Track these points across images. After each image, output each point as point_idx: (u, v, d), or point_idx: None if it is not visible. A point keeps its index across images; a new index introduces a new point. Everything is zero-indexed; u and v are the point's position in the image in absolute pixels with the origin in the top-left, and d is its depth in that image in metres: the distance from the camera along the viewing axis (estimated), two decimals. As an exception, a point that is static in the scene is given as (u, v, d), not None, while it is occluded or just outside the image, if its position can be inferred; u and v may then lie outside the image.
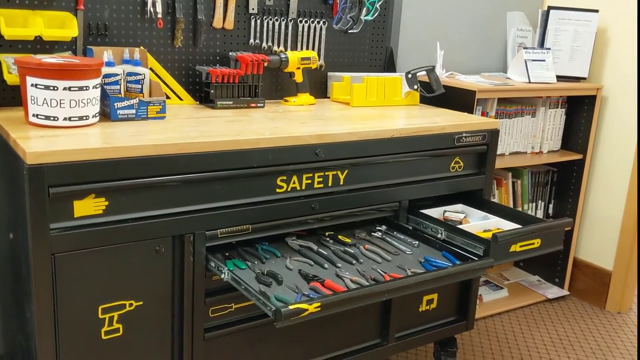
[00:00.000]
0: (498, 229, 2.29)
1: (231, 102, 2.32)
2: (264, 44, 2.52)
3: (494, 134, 2.40)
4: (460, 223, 2.32)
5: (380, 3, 2.72)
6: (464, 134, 2.30)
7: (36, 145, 1.56)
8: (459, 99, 2.71)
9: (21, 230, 1.67)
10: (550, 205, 3.39)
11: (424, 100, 2.71)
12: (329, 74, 2.73)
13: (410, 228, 2.21)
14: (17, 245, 1.75)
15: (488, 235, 2.13)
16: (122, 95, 2.02)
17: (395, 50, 2.93)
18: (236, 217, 1.87)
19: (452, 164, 2.34)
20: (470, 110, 2.68)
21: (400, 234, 2.18)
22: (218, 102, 2.29)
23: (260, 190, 1.91)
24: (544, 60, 3.00)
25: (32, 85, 1.74)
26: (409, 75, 2.63)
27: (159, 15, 2.24)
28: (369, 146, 2.08)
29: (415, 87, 2.64)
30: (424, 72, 2.65)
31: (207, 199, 1.82)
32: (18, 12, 1.99)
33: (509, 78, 3.09)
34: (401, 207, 2.25)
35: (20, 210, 1.62)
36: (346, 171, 2.06)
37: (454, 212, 2.39)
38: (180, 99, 2.36)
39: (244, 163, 1.84)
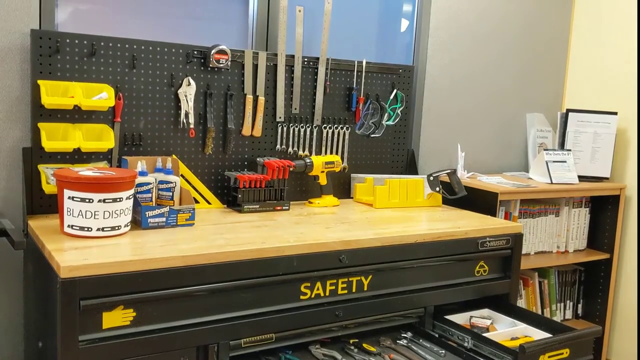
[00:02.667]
0: (526, 337, 2.25)
1: (257, 206, 2.38)
2: (290, 149, 2.61)
3: (517, 238, 2.41)
4: (487, 330, 2.28)
5: (401, 109, 2.83)
6: (487, 239, 2.31)
7: (70, 259, 1.61)
8: (481, 200, 2.74)
9: (50, 341, 1.69)
10: (579, 305, 3.31)
11: (446, 202, 2.74)
12: (352, 175, 2.79)
13: (437, 336, 2.18)
14: (45, 354, 1.77)
15: (516, 344, 2.09)
16: (154, 203, 2.09)
17: (417, 152, 3.00)
18: (260, 326, 1.88)
19: (477, 268, 2.34)
20: (492, 211, 2.70)
21: (426, 342, 2.15)
22: (245, 206, 2.35)
23: (285, 298, 1.93)
24: (565, 162, 3.04)
25: (68, 197, 1.82)
26: (431, 178, 2.68)
27: (192, 126, 2.36)
28: (393, 251, 2.10)
29: (437, 189, 2.68)
30: (446, 175, 2.70)
31: (232, 307, 1.83)
32: (58, 126, 2.12)
33: (531, 178, 3.12)
34: (426, 313, 2.23)
35: (51, 320, 1.66)
36: (370, 277, 2.07)
37: (481, 317, 2.35)
38: (209, 203, 2.43)
39: (269, 271, 1.87)
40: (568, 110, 3.18)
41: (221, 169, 2.48)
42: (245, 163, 2.53)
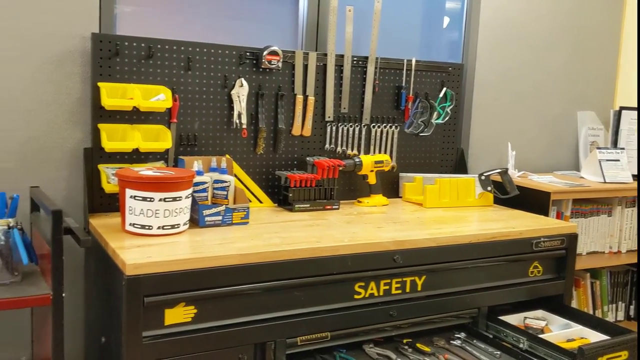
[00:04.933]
0: (582, 338, 2.21)
1: (308, 205, 2.40)
2: (339, 148, 2.63)
3: (572, 238, 2.36)
4: (542, 331, 2.25)
5: (450, 107, 2.81)
6: (542, 239, 2.28)
7: (134, 257, 1.65)
8: (533, 200, 2.70)
9: (114, 336, 1.74)
10: (631, 307, 3.23)
11: (497, 201, 2.71)
12: (401, 174, 2.79)
13: (491, 336, 2.17)
14: (108, 349, 1.83)
15: (572, 346, 2.06)
16: (209, 202, 2.13)
17: (466, 150, 2.98)
18: (315, 324, 1.90)
19: (531, 268, 2.31)
20: (545, 210, 2.66)
21: (480, 343, 2.13)
22: (296, 205, 2.37)
23: (339, 297, 1.94)
24: (619, 160, 2.97)
25: (130, 196, 1.88)
26: (483, 177, 2.65)
27: (244, 126, 2.39)
28: (447, 251, 2.09)
29: (489, 188, 2.65)
30: (498, 174, 2.67)
31: (288, 306, 1.86)
32: (118, 127, 2.17)
33: (583, 177, 3.06)
34: (480, 314, 2.21)
35: (115, 316, 1.71)
36: (424, 277, 2.07)
37: (535, 318, 2.32)
38: (260, 202, 2.47)
39: (323, 270, 1.89)
40: (621, 108, 3.10)
41: (272, 169, 2.51)
42: (295, 162, 2.55)
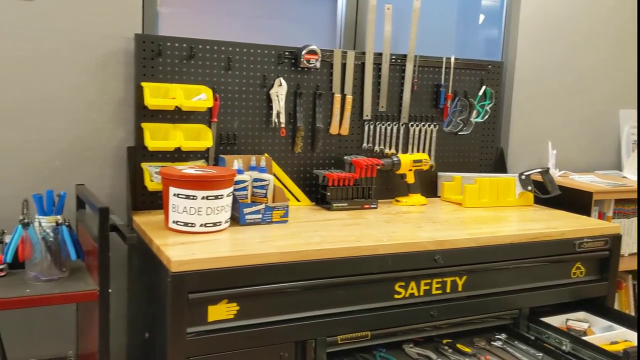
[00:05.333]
0: (626, 341, 2.16)
1: (346, 204, 2.40)
2: (377, 147, 2.62)
3: (616, 239, 2.31)
4: (585, 333, 2.21)
5: (490, 105, 2.77)
6: (585, 240, 2.24)
7: (178, 254, 1.68)
8: (574, 200, 2.65)
9: (158, 332, 1.78)
10: (677, 310, 3.15)
11: (537, 201, 2.67)
12: (439, 173, 2.77)
13: (532, 338, 2.13)
14: (152, 345, 1.86)
15: (616, 348, 2.02)
16: (249, 201, 2.15)
17: (505, 149, 2.94)
18: (355, 323, 1.90)
19: (573, 269, 2.27)
20: (586, 211, 2.60)
21: (521, 344, 2.10)
22: (334, 204, 2.38)
23: (379, 296, 1.94)
24: (665, 159, 2.90)
25: (174, 194, 1.91)
26: (523, 177, 2.62)
27: (282, 125, 2.41)
28: (488, 252, 2.07)
29: (530, 188, 2.61)
30: (538, 173, 2.63)
31: (328, 304, 1.86)
32: (160, 126, 2.21)
33: (625, 177, 2.99)
34: (521, 315, 2.19)
35: (160, 312, 1.74)
36: (465, 277, 2.05)
37: (577, 320, 2.28)
38: (298, 200, 2.48)
39: (363, 269, 1.89)
40: (667, 106, 3.02)
41: (309, 167, 2.51)
42: (332, 161, 2.56)
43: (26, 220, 1.74)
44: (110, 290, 1.71)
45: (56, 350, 2.18)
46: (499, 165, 2.90)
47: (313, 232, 2.01)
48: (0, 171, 2.07)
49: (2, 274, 1.75)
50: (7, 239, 1.84)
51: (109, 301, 1.71)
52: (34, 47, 2.07)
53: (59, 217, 1.79)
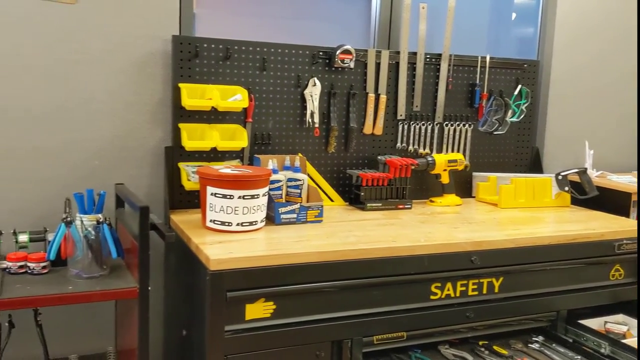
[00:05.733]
0: (669, 345, 2.12)
1: (380, 204, 2.40)
2: (411, 147, 2.61)
3: (657, 241, 2.26)
4: (624, 336, 2.17)
5: (526, 105, 2.74)
6: (624, 241, 2.19)
7: (217, 252, 1.70)
8: (612, 200, 2.60)
9: (196, 330, 1.80)
10: None
11: (574, 202, 2.63)
12: (474, 174, 2.74)
13: (570, 340, 2.10)
14: (189, 342, 1.89)
15: (659, 353, 1.98)
16: (283, 200, 2.16)
17: (541, 149, 2.90)
18: (391, 324, 1.90)
19: (612, 272, 2.22)
20: (625, 212, 2.55)
21: (559, 347, 2.07)
22: (368, 204, 2.37)
23: (415, 297, 1.93)
24: None
25: (211, 194, 1.93)
26: (560, 177, 2.58)
27: (316, 125, 2.41)
28: (525, 253, 2.04)
29: (567, 188, 2.57)
30: (575, 174, 2.58)
31: (364, 304, 1.86)
32: (197, 126, 2.24)
33: (666, 177, 2.92)
34: (559, 317, 2.15)
35: (198, 310, 1.76)
36: (501, 278, 2.03)
37: (616, 323, 2.24)
38: (332, 200, 2.48)
39: (400, 270, 1.88)
40: None
41: (343, 167, 2.52)
42: (366, 161, 2.56)
43: (69, 219, 1.78)
44: (149, 288, 1.74)
45: (95, 346, 2.23)
46: (535, 165, 2.86)
47: (348, 232, 2.01)
48: (42, 171, 2.11)
49: (45, 271, 1.80)
50: (49, 236, 1.89)
51: (148, 298, 1.74)
52: (75, 49, 2.11)
53: (99, 215, 1.83)
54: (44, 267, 1.79)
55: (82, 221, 1.79)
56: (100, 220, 1.81)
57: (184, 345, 1.98)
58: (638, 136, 2.86)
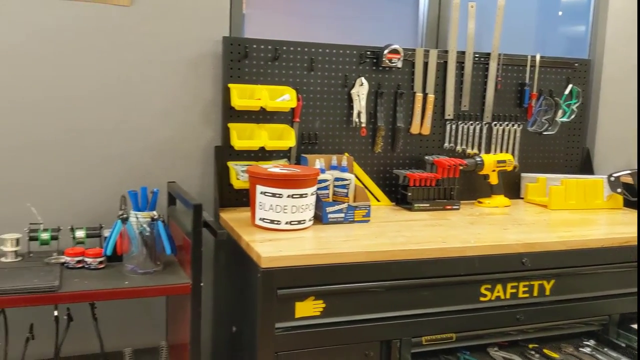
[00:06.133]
0: None
1: (428, 205, 2.38)
2: (458, 147, 2.59)
3: None
4: (681, 343, 2.10)
5: (576, 105, 2.68)
6: (682, 245, 2.13)
7: (267, 250, 1.72)
8: (668, 203, 2.52)
9: (246, 326, 1.83)
10: None
11: (627, 204, 2.56)
12: (523, 174, 2.70)
13: (623, 345, 2.05)
14: (239, 338, 1.92)
15: None
16: (330, 200, 2.17)
17: (592, 150, 2.83)
18: (440, 325, 1.89)
19: (669, 276, 2.16)
20: (681, 214, 2.48)
21: (612, 352, 2.03)
22: (415, 205, 2.37)
23: (465, 298, 1.91)
24: None
25: (261, 192, 1.95)
26: (612, 178, 2.51)
27: (363, 125, 2.42)
28: (577, 256, 2.00)
29: (619, 190, 2.51)
30: (628, 175, 2.52)
31: (413, 305, 1.86)
32: (246, 126, 2.27)
33: None
34: (611, 321, 2.10)
35: (248, 307, 1.79)
36: (552, 281, 2.00)
37: (672, 329, 2.17)
38: (378, 200, 2.48)
39: (450, 271, 1.87)
40: None
41: (389, 167, 2.51)
42: (413, 161, 2.55)
43: (125, 215, 1.83)
44: (202, 284, 1.77)
45: (146, 340, 2.28)
46: (585, 166, 2.80)
47: (396, 232, 2.00)
48: (97, 169, 2.18)
49: (102, 266, 1.85)
50: (105, 233, 1.95)
51: (200, 294, 1.77)
52: (129, 52, 2.17)
53: (154, 212, 1.87)
54: (100, 263, 1.85)
55: (137, 218, 1.84)
56: (155, 217, 1.85)
57: (233, 341, 2.01)
58: (638, 136, 2.77)
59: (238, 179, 2.22)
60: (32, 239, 1.90)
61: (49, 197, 2.12)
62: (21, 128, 2.08)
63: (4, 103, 2.05)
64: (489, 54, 2.58)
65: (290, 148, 2.33)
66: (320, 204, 2.09)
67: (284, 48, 2.30)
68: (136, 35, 2.17)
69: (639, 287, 2.04)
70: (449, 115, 2.55)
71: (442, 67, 2.53)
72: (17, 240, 1.89)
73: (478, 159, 2.50)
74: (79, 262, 1.84)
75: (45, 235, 1.90)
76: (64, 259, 1.85)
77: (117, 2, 2.12)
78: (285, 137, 2.29)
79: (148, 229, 1.82)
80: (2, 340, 1.86)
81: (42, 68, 2.08)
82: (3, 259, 1.87)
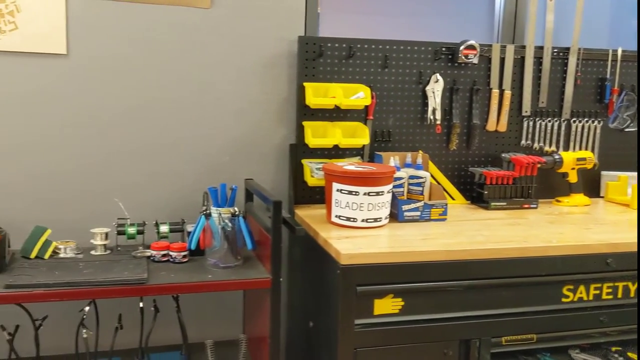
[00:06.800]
0: None
1: (505, 203, 2.34)
2: (536, 144, 2.52)
3: None
4: None
5: (662, 100, 2.56)
6: None
7: (346, 247, 1.73)
8: None
9: (324, 322, 1.85)
10: None
11: None
12: (603, 173, 2.61)
13: None
14: (317, 333, 1.94)
15: None
16: (405, 197, 2.17)
17: (679, 147, 2.70)
18: (520, 325, 1.85)
19: None
20: None
21: None
22: (492, 203, 2.33)
23: (546, 299, 1.87)
24: None
25: (337, 190, 1.97)
26: (702, 177, 2.39)
27: (438, 122, 2.39)
28: (666, 258, 1.92)
29: None
30: None
31: (493, 305, 1.83)
32: (320, 124, 2.29)
33: None
34: (703, 327, 2.00)
35: (327, 303, 1.81)
36: (637, 283, 1.92)
37: None
38: (452, 198, 2.45)
39: (531, 271, 1.83)
40: None
41: (464, 165, 2.48)
42: (489, 159, 2.50)
43: (208, 211, 1.89)
44: (281, 279, 1.81)
45: (223, 332, 2.35)
46: (671, 164, 2.67)
47: (475, 231, 1.98)
48: (179, 166, 2.25)
49: (185, 260, 1.92)
50: (187, 227, 2.02)
51: (280, 289, 1.81)
52: (209, 52, 2.23)
53: (235, 208, 1.92)
54: (184, 257, 1.91)
55: (220, 214, 1.89)
56: (236, 213, 1.90)
57: (309, 336, 2.04)
58: (638, 136, 2.60)
59: (312, 176, 2.24)
60: (119, 233, 1.98)
61: (133, 193, 2.21)
62: (113, 131, 2.18)
63: (102, 111, 2.16)
64: (568, 49, 2.50)
65: (364, 146, 2.34)
66: (395, 202, 2.09)
67: (358, 46, 2.31)
68: (215, 36, 2.23)
69: (639, 295, 1.93)
70: (526, 111, 2.49)
71: (519, 63, 2.47)
72: (106, 234, 1.98)
73: (557, 156, 2.43)
74: (164, 255, 1.91)
75: (132, 230, 1.98)
76: (150, 252, 1.93)
77: (198, 4, 2.19)
78: (358, 135, 2.29)
79: (230, 224, 1.87)
80: (94, 329, 1.95)
81: (131, 72, 2.17)
82: (93, 252, 1.97)
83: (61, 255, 1.92)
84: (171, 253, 1.91)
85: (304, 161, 2.30)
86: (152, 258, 1.92)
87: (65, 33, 2.08)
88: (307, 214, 2.16)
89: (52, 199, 2.15)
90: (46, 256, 1.89)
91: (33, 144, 2.12)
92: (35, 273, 1.73)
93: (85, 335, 1.84)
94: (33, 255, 1.88)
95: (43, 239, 1.91)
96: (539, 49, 2.47)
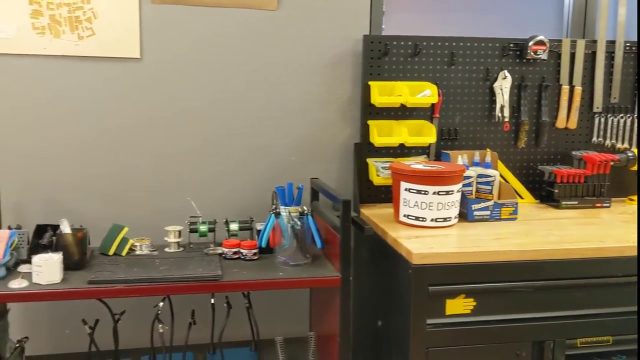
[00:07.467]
0: None
1: (576, 202, 2.28)
2: (607, 142, 2.44)
3: None
4: None
5: None
6: None
7: (417, 247, 1.73)
8: None
9: (395, 321, 1.85)
10: None
11: None
12: (680, 171, 2.50)
13: None
14: (386, 333, 1.94)
15: None
16: (473, 197, 2.14)
17: None
18: (595, 327, 1.80)
19: None
20: None
21: None
22: (563, 202, 2.27)
23: (623, 300, 1.81)
24: None
25: (405, 189, 1.96)
26: None
27: (506, 119, 2.35)
28: None
29: None
30: None
31: (566, 306, 1.79)
32: (385, 123, 2.29)
33: None
34: None
35: (397, 302, 1.81)
36: (637, 284, 1.84)
37: None
38: (521, 197, 2.40)
39: (607, 271, 1.78)
40: None
41: (533, 163, 2.43)
42: (558, 157, 2.44)
43: (277, 210, 1.92)
44: (350, 278, 1.82)
45: (289, 329, 2.37)
46: None
47: (547, 231, 1.94)
48: (243, 166, 2.30)
49: (256, 257, 1.95)
50: (256, 226, 2.05)
51: (349, 287, 1.82)
52: (275, 52, 2.26)
53: (303, 207, 1.95)
54: (254, 254, 1.95)
55: (289, 212, 1.92)
56: (305, 211, 1.93)
57: (378, 335, 2.04)
58: (638, 136, 2.43)
59: (378, 175, 2.24)
60: (192, 230, 2.04)
61: (203, 192, 2.27)
62: (184, 131, 2.24)
63: (173, 112, 2.23)
64: (642, 42, 2.41)
65: (430, 144, 2.32)
66: (465, 201, 2.07)
67: (424, 43, 2.29)
68: (281, 38, 2.26)
69: (639, 299, 1.82)
70: (598, 108, 2.42)
71: (590, 58, 2.39)
72: (179, 232, 2.04)
73: (630, 154, 2.35)
74: (235, 253, 1.95)
75: (203, 228, 2.04)
76: (222, 250, 1.97)
77: (265, 6, 2.22)
78: (424, 133, 2.28)
79: (299, 223, 1.89)
80: (169, 324, 2.01)
81: (200, 74, 2.22)
82: (167, 249, 2.03)
83: (137, 252, 1.99)
84: (242, 250, 1.95)
85: (369, 160, 2.31)
86: (223, 255, 1.96)
87: (139, 37, 2.15)
88: (373, 213, 2.17)
89: (126, 198, 2.23)
90: (124, 253, 1.96)
91: (109, 145, 2.20)
92: (115, 269, 1.80)
93: (161, 330, 1.91)
94: (111, 252, 1.96)
95: (120, 236, 1.98)
96: (611, 43, 2.39)
